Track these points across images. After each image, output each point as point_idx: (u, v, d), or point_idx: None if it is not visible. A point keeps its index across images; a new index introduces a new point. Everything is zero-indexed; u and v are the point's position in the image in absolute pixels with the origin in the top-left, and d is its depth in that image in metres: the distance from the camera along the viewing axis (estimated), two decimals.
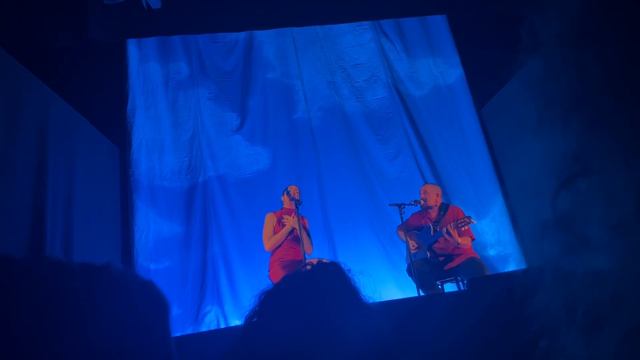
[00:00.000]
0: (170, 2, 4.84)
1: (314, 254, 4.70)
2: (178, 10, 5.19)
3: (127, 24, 5.13)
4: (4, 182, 3.46)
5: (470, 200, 5.71)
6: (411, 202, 4.62)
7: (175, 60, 6.11)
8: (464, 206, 4.92)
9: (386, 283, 5.29)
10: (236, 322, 5.09)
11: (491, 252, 5.58)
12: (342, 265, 0.90)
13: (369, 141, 6.07)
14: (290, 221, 4.50)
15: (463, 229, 4.32)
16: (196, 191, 5.71)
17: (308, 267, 0.91)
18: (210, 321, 5.21)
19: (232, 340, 0.85)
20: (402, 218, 4.44)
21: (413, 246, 4.60)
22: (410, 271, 4.38)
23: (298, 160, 5.93)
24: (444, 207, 4.67)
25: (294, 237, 4.53)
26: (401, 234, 4.71)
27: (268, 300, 0.86)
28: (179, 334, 3.69)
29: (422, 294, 4.09)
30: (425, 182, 5.56)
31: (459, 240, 4.28)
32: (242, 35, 6.29)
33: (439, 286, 4.47)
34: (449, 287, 4.63)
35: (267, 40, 6.33)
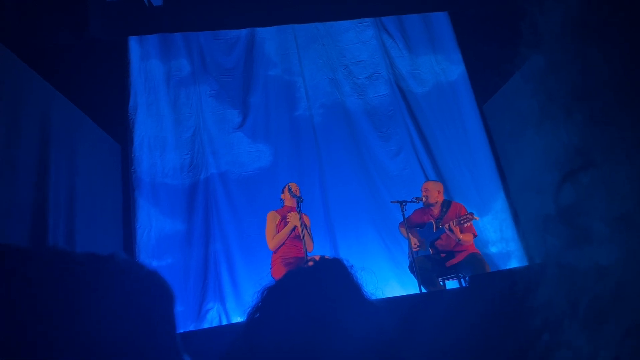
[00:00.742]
0: None
1: (315, 251, 4.70)
2: (179, 7, 5.19)
3: (129, 21, 5.13)
4: (6, 179, 3.47)
5: (472, 197, 5.71)
6: (413, 199, 4.62)
7: (177, 57, 6.10)
8: (465, 203, 4.91)
9: (388, 280, 5.29)
10: (238, 319, 5.10)
11: (493, 249, 5.58)
12: (345, 262, 0.90)
13: (370, 138, 6.07)
14: (293, 218, 4.49)
15: (465, 225, 4.32)
16: (198, 188, 5.71)
17: (310, 264, 0.91)
18: (212, 318, 5.22)
19: (234, 336, 0.85)
20: (403, 215, 4.43)
21: (415, 243, 4.59)
22: (412, 268, 4.38)
23: (300, 158, 5.93)
24: (446, 204, 4.67)
25: (295, 235, 4.53)
26: (403, 230, 4.71)
27: (270, 296, 0.86)
28: (181, 331, 3.70)
29: (423, 290, 4.09)
30: (427, 179, 5.55)
31: (461, 236, 4.28)
32: (243, 32, 6.28)
33: (441, 283, 4.47)
34: (451, 284, 4.63)
35: (269, 37, 6.32)
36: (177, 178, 5.70)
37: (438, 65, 6.35)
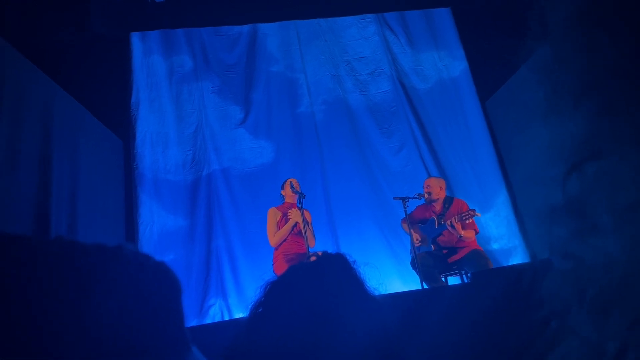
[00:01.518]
0: None
1: (317, 247, 4.70)
2: (181, 3, 5.19)
3: (131, 17, 5.14)
4: (9, 175, 3.48)
5: (474, 194, 5.71)
6: (415, 196, 4.62)
7: (179, 53, 6.10)
8: (467, 199, 4.91)
9: (390, 276, 5.29)
10: (240, 315, 5.11)
11: (495, 246, 5.58)
12: (347, 257, 0.90)
13: (372, 135, 6.06)
14: (294, 215, 4.49)
15: (467, 221, 4.32)
16: (200, 184, 5.71)
17: (313, 259, 0.91)
18: (215, 314, 5.23)
19: (237, 331, 0.85)
20: (405, 211, 4.43)
21: (417, 239, 4.59)
22: (414, 264, 4.38)
23: (302, 154, 5.93)
24: (448, 200, 4.66)
25: (297, 231, 4.53)
26: (405, 226, 4.70)
27: (273, 291, 0.86)
28: None
29: (425, 287, 4.09)
30: (429, 176, 5.55)
31: (462, 233, 4.28)
32: (245, 28, 6.27)
33: (443, 279, 4.47)
34: (453, 280, 4.63)
35: (271, 33, 6.31)
36: (179, 174, 5.71)
37: (440, 62, 6.34)
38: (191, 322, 5.02)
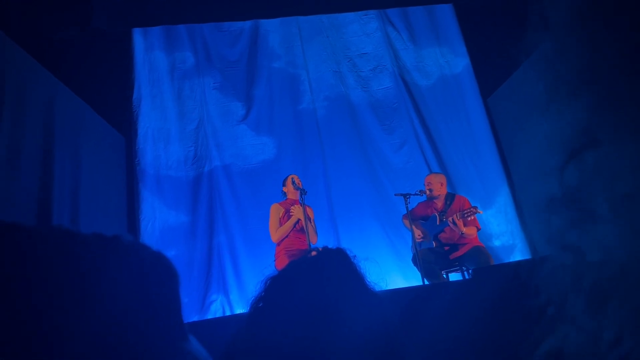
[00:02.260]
0: None
1: (319, 243, 4.70)
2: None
3: (133, 13, 5.13)
4: (11, 172, 3.48)
5: (476, 190, 5.70)
6: (416, 192, 4.62)
7: (181, 49, 6.10)
8: (469, 196, 4.91)
9: (391, 273, 5.30)
10: (241, 310, 5.12)
11: (496, 243, 5.58)
12: (348, 252, 0.90)
13: (374, 131, 6.06)
14: (296, 211, 4.49)
15: (469, 218, 4.32)
16: (202, 181, 5.72)
17: (313, 254, 0.91)
18: (216, 310, 5.25)
19: (238, 325, 0.85)
20: (407, 208, 4.43)
21: (419, 235, 4.59)
22: (415, 261, 4.38)
23: (303, 151, 5.93)
24: (450, 197, 4.66)
25: (299, 227, 4.53)
26: (406, 222, 4.70)
27: (274, 286, 0.86)
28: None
29: (426, 283, 4.10)
30: (431, 172, 5.54)
31: (464, 229, 4.28)
32: (247, 24, 6.26)
33: (444, 276, 4.47)
34: (454, 277, 4.63)
35: (273, 29, 6.30)
36: (181, 170, 5.71)
37: (443, 58, 6.32)
38: (193, 317, 5.03)
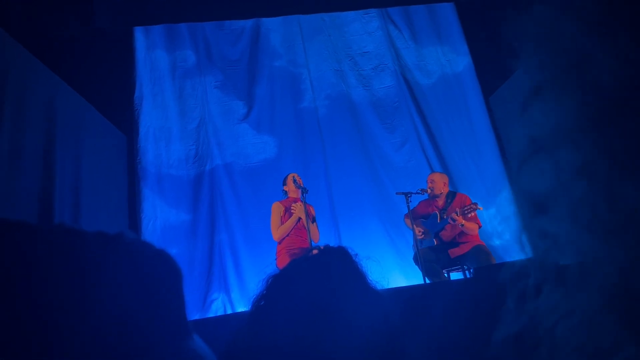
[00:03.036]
0: None
1: (320, 242, 4.69)
2: None
3: (134, 11, 5.13)
4: (12, 169, 3.49)
5: (477, 189, 5.70)
6: (418, 191, 4.62)
7: (182, 48, 6.10)
8: (471, 195, 4.90)
9: (392, 271, 5.30)
10: (243, 309, 5.13)
11: (497, 241, 5.58)
12: (349, 250, 0.90)
13: (375, 130, 6.06)
14: (297, 209, 4.49)
15: (469, 215, 4.31)
16: (203, 179, 5.72)
17: (315, 252, 0.91)
18: (217, 308, 5.25)
19: (239, 324, 0.85)
20: (408, 207, 4.43)
21: (419, 232, 4.60)
22: (416, 259, 4.38)
23: (304, 149, 5.93)
24: (451, 195, 4.66)
25: (300, 226, 4.53)
26: (408, 222, 4.70)
27: (275, 284, 0.86)
28: None
29: (428, 282, 4.10)
30: (432, 171, 5.54)
31: (463, 222, 4.27)
32: (248, 23, 6.26)
33: (445, 275, 4.47)
34: (455, 276, 4.63)
35: (274, 28, 6.30)
36: (182, 169, 5.72)
37: (444, 57, 6.32)
38: (194, 316, 5.03)
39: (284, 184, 4.78)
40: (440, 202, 4.65)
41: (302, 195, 4.39)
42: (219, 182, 5.71)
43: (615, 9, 0.34)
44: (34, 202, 3.74)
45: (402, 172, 5.90)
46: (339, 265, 0.87)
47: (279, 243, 4.55)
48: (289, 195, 4.73)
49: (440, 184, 4.66)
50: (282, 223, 4.53)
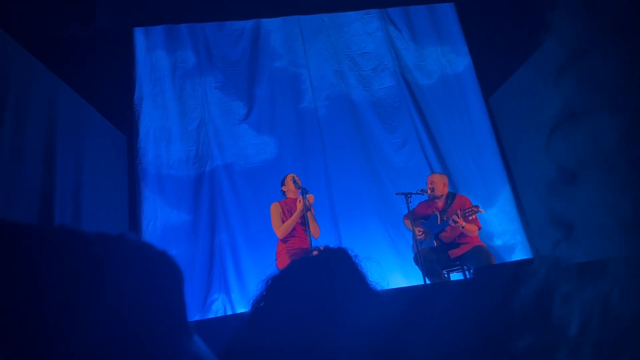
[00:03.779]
0: None
1: (320, 242, 4.68)
2: None
3: (134, 12, 5.13)
4: (13, 170, 3.49)
5: (477, 190, 5.70)
6: (418, 192, 4.62)
7: (182, 48, 6.10)
8: (471, 195, 4.90)
9: (392, 272, 5.30)
10: (243, 310, 5.13)
11: (498, 242, 5.58)
12: (349, 251, 0.90)
13: (375, 130, 6.06)
14: (300, 205, 4.42)
15: (470, 218, 4.31)
16: (203, 180, 5.72)
17: (315, 253, 0.91)
18: (217, 309, 5.25)
19: (239, 324, 0.85)
20: (408, 207, 4.43)
21: (419, 232, 4.60)
22: (416, 260, 4.38)
23: (305, 150, 5.93)
24: (450, 196, 4.66)
25: (301, 225, 4.52)
26: (408, 222, 4.70)
27: (275, 285, 0.87)
28: None
29: (428, 282, 4.10)
30: (432, 172, 5.54)
31: (464, 224, 4.27)
32: (249, 23, 6.26)
33: (445, 275, 4.47)
34: (456, 277, 4.63)
35: (274, 28, 6.30)
36: (182, 169, 5.72)
37: (444, 57, 6.32)
38: (194, 316, 5.03)
39: (283, 184, 4.77)
40: (440, 203, 4.65)
41: (302, 195, 4.39)
42: (219, 183, 5.71)
43: None
44: (35, 202, 3.74)
45: (402, 173, 5.90)
46: (339, 267, 0.87)
47: (279, 243, 4.54)
48: (288, 196, 4.72)
49: (440, 185, 4.66)
50: (283, 222, 4.51)
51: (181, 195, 5.62)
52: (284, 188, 4.75)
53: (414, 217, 4.63)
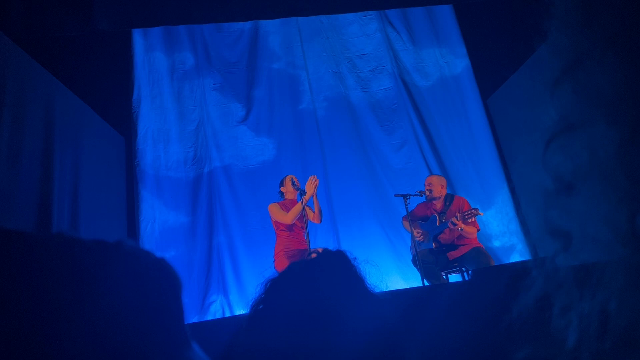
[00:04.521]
0: None
1: (318, 244, 4.69)
2: (183, 0, 5.18)
3: (133, 13, 5.12)
4: (11, 172, 3.48)
5: (475, 191, 5.70)
6: (416, 193, 4.62)
7: (181, 50, 6.10)
8: (469, 197, 4.91)
9: (391, 274, 5.30)
10: (241, 311, 5.12)
11: (496, 243, 5.58)
12: (348, 254, 0.90)
13: (374, 132, 6.06)
14: (309, 189, 4.35)
15: (469, 220, 4.31)
16: (202, 181, 5.72)
17: (313, 255, 0.91)
18: (216, 310, 5.25)
19: (238, 327, 0.85)
20: (407, 209, 4.43)
21: (418, 234, 4.60)
22: (415, 261, 4.38)
23: (303, 151, 5.93)
24: (449, 198, 4.66)
25: (299, 227, 4.52)
26: (406, 224, 4.71)
27: (273, 288, 0.86)
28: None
29: (426, 284, 4.10)
30: (431, 173, 5.55)
31: (463, 226, 4.27)
32: (247, 25, 6.26)
33: (444, 277, 4.47)
34: (454, 278, 4.63)
35: (273, 30, 6.31)
36: (180, 171, 5.71)
37: (442, 59, 6.33)
38: (192, 318, 5.03)
39: (281, 185, 4.77)
40: (439, 205, 4.65)
41: (300, 197, 4.38)
42: (217, 184, 5.71)
43: None
44: (33, 203, 3.73)
45: (400, 174, 5.90)
46: (337, 269, 0.87)
47: (276, 244, 4.51)
48: (286, 197, 4.71)
49: (438, 186, 4.66)
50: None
51: (179, 196, 5.62)
52: (282, 189, 4.75)
53: (413, 218, 4.63)
